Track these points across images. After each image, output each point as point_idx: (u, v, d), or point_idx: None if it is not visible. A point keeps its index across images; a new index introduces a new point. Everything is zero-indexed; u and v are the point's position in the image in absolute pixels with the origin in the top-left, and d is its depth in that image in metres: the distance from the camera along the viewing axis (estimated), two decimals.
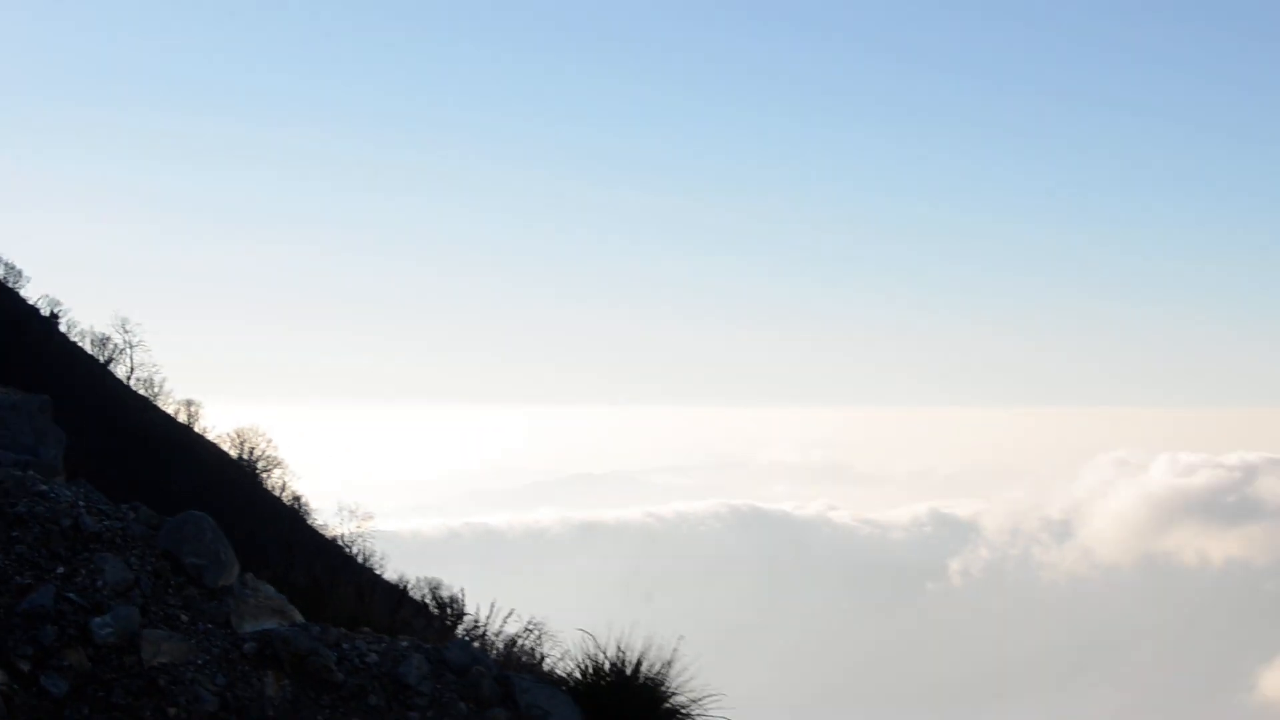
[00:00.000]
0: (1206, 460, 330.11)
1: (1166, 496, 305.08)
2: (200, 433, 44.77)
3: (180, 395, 46.44)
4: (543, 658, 11.71)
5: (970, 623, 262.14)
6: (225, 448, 44.50)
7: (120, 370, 46.10)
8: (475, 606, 13.63)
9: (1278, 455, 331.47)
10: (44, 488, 7.76)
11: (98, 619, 6.76)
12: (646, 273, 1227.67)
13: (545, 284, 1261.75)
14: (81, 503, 7.71)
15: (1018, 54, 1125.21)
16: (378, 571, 30.19)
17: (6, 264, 45.33)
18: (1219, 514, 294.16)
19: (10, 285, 44.77)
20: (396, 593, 17.39)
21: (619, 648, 8.22)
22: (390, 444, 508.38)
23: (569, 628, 9.82)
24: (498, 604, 12.70)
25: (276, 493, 42.82)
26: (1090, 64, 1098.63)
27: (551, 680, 8.33)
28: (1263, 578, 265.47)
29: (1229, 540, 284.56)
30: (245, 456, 44.34)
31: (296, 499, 42.73)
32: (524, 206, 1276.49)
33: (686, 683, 8.34)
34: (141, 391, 45.34)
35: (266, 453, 44.62)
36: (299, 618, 7.80)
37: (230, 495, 35.46)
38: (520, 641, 12.43)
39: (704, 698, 8.32)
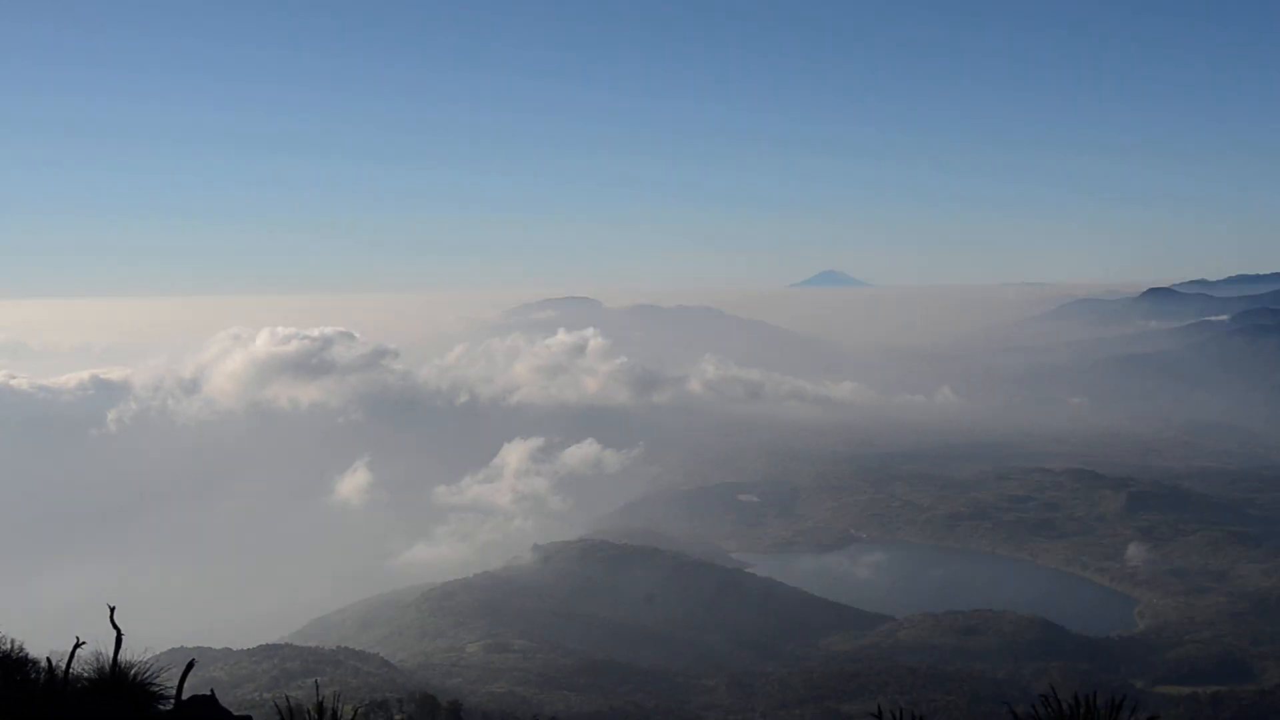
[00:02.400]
0: (296, 333, 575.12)
1: (268, 359, 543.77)
2: None
3: None
4: None
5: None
6: None
7: None
8: None
9: (345, 329, 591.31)
10: None
11: None
12: None
13: None
14: None
15: None
16: None
17: None
18: (305, 371, 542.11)
19: None
20: None
21: None
22: None
23: None
24: None
25: None
26: None
27: None
28: (336, 415, 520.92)
29: (312, 389, 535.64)
30: None
31: None
32: None
33: None
34: None
35: None
36: None
37: None
38: None
39: None
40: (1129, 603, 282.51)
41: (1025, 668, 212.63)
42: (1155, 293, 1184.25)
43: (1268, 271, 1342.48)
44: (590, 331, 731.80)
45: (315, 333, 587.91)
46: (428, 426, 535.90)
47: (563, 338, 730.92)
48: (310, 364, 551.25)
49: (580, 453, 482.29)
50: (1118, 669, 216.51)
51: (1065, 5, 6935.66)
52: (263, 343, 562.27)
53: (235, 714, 22.02)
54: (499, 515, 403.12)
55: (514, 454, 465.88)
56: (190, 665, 21.34)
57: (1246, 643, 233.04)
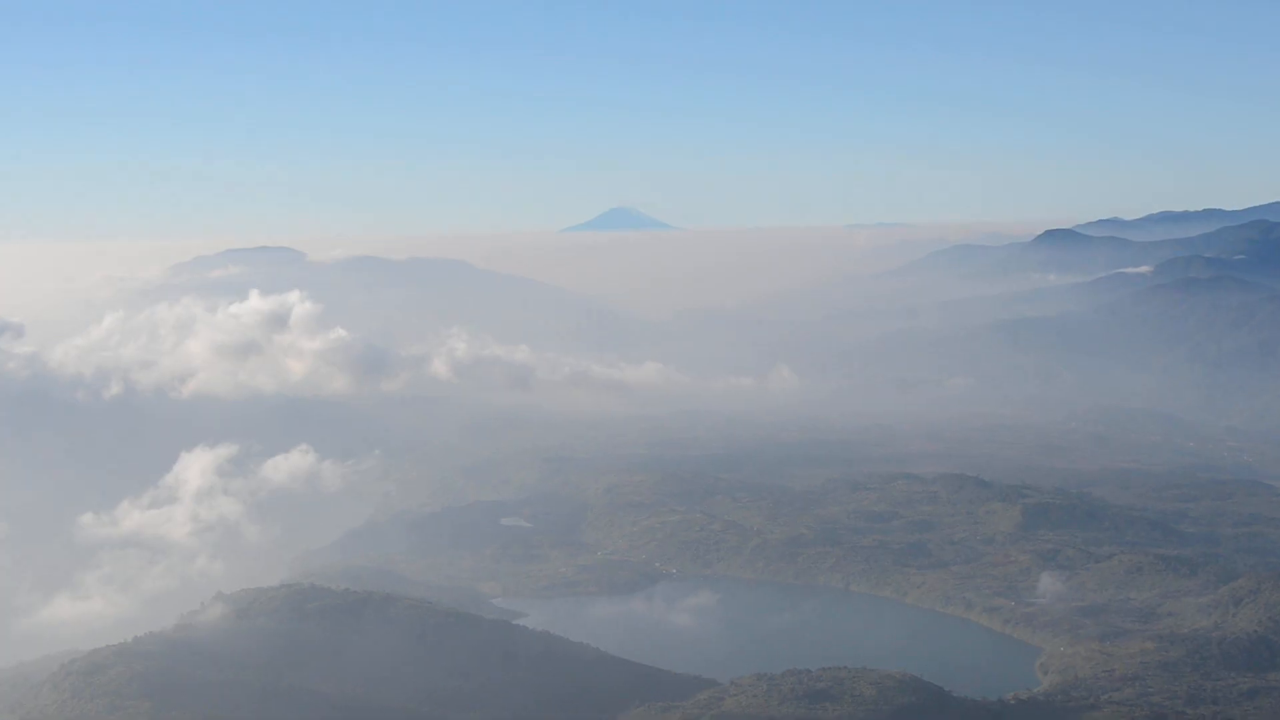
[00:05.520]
0: None
1: None
2: None
3: None
4: None
5: None
6: None
7: None
8: None
9: None
10: None
11: None
12: None
13: None
14: None
15: None
16: None
17: None
18: None
19: None
20: None
21: None
22: None
23: None
24: None
25: None
26: None
27: None
28: None
29: None
30: None
31: None
32: None
33: None
34: None
35: None
36: None
37: None
38: None
39: None
40: (1029, 652, 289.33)
41: None
42: (1054, 236, 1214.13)
43: (1199, 208, 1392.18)
44: (294, 295, 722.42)
45: None
46: (66, 430, 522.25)
47: (255, 303, 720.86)
48: None
49: (287, 464, 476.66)
50: None
51: None
52: None
53: None
54: (174, 553, 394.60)
55: (193, 467, 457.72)
56: None
57: (1181, 701, 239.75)
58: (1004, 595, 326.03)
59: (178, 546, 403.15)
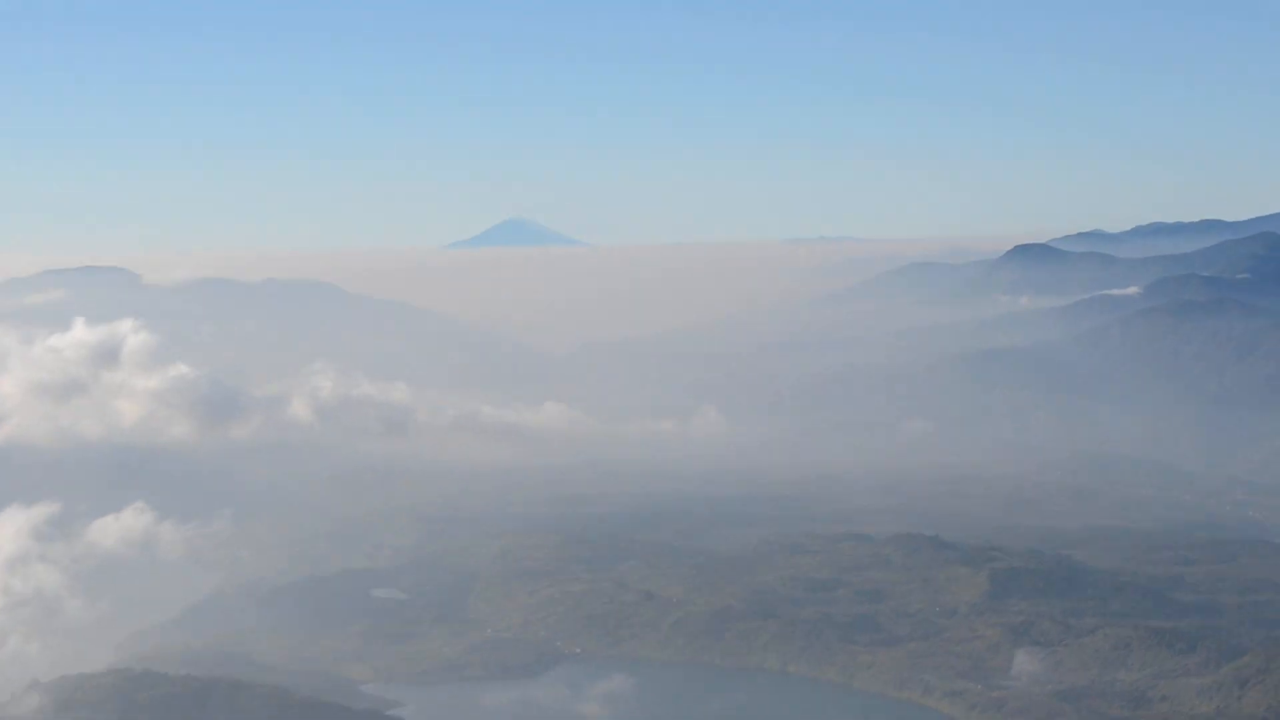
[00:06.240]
0: None
1: None
2: None
3: None
4: None
5: None
6: None
7: None
8: None
9: None
10: None
11: None
12: None
13: None
14: None
15: None
16: None
17: None
18: None
19: None
20: None
21: None
22: None
23: None
24: None
25: None
26: None
27: None
28: None
29: None
30: None
31: None
32: None
33: None
34: None
35: None
36: None
37: None
38: None
39: None
40: None
41: None
42: (1026, 251, 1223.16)
43: (1195, 218, 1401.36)
44: (126, 324, 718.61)
45: None
46: None
47: (80, 333, 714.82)
48: None
49: (118, 526, 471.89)
50: None
51: None
52: None
53: None
54: None
55: (4, 530, 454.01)
56: None
57: None
58: (969, 677, 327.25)
59: None
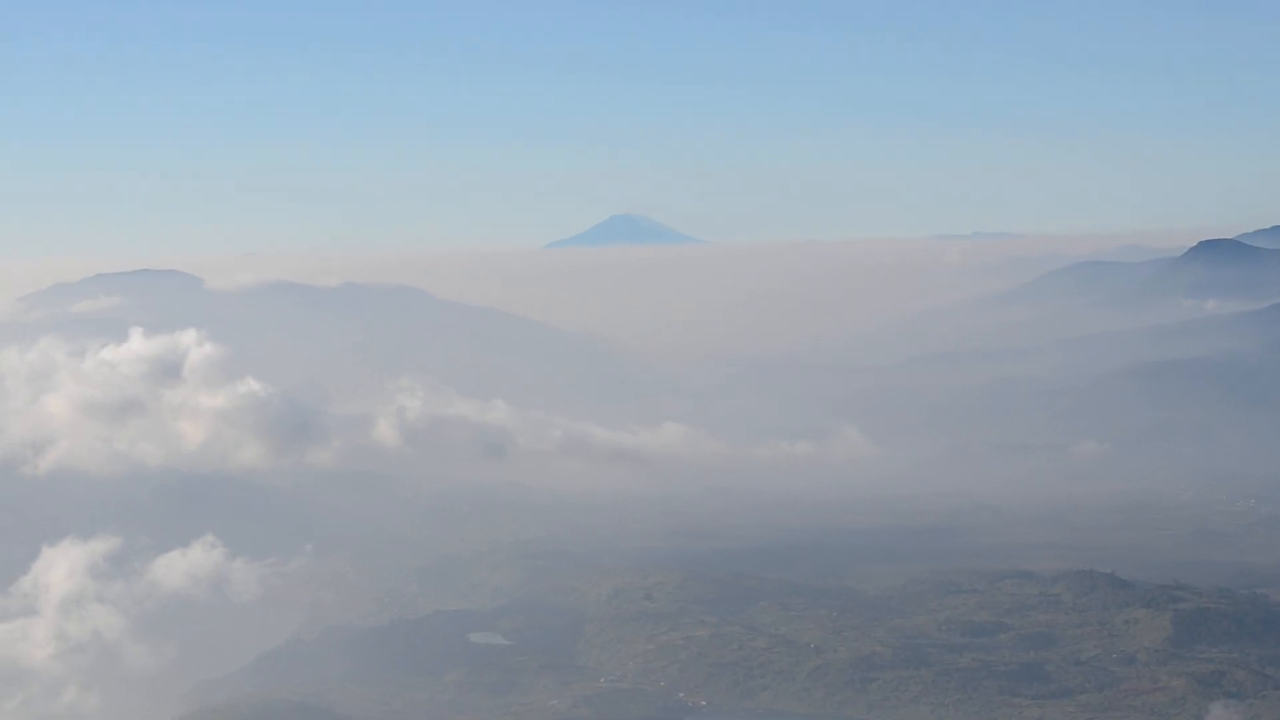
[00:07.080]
0: None
1: None
2: None
3: None
4: None
5: None
6: None
7: None
8: None
9: None
10: None
11: None
12: None
13: None
14: None
15: None
16: None
17: None
18: None
19: None
20: None
21: None
22: None
23: None
24: None
25: None
26: None
27: None
28: None
29: None
30: None
31: None
32: None
33: None
34: None
35: None
36: None
37: None
38: None
39: None
40: None
41: None
42: (1213, 248, 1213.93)
43: None
44: (189, 334, 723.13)
45: None
46: None
47: (137, 345, 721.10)
48: None
49: (184, 562, 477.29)
50: None
51: None
52: None
53: None
54: (32, 682, 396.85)
55: (58, 567, 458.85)
56: None
57: None
58: None
59: (37, 673, 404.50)
